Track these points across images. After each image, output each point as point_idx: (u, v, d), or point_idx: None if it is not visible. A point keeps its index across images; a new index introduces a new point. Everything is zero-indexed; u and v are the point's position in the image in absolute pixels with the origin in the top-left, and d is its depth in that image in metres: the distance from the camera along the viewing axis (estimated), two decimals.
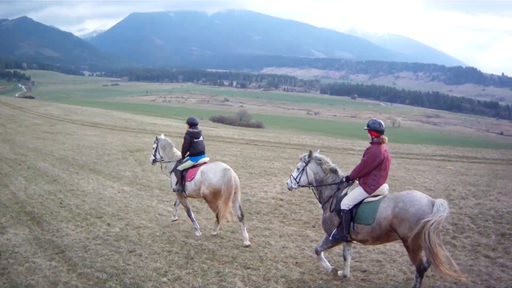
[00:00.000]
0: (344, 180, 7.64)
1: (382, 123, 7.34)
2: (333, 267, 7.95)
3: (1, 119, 44.38)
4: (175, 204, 11.36)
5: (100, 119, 47.20)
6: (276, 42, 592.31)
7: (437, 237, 6.40)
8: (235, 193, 9.67)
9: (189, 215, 10.63)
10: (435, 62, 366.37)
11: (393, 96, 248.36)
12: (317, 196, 8.11)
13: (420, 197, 6.75)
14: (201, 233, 10.37)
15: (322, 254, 7.95)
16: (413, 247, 6.66)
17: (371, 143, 7.40)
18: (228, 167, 9.76)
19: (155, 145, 11.22)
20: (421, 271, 6.85)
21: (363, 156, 7.39)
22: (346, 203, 7.28)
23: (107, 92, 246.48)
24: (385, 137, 7.34)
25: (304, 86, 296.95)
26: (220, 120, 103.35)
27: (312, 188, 8.17)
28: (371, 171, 7.24)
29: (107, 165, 20.01)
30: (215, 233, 10.27)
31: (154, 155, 11.22)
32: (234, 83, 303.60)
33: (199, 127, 10.66)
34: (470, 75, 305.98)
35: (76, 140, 29.21)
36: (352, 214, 7.26)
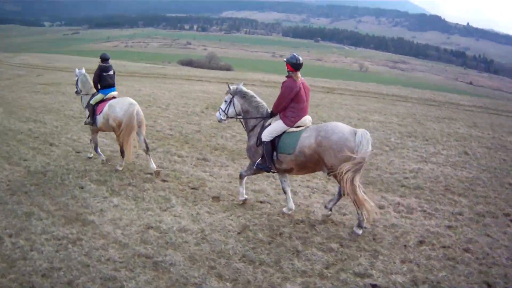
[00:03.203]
0: (269, 114, 7.94)
1: (300, 59, 7.50)
2: (245, 197, 8.50)
3: None
4: (90, 141, 11.61)
5: (89, 65, 40.08)
6: None
7: (355, 179, 6.76)
8: (139, 127, 10.16)
9: (96, 150, 11.28)
10: (397, 8, 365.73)
11: (356, 40, 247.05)
12: (243, 126, 8.47)
13: (342, 126, 7.13)
14: (108, 162, 11.15)
15: (244, 180, 8.45)
16: (340, 177, 6.90)
17: (286, 76, 7.60)
18: (134, 102, 10.17)
19: (76, 78, 11.59)
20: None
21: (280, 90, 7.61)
22: (266, 135, 7.60)
23: (69, 41, 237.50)
24: (299, 73, 7.52)
25: (266, 29, 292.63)
26: (189, 63, 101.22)
27: (239, 119, 8.48)
28: (289, 104, 7.49)
29: (210, 132, 14.48)
30: (120, 168, 10.62)
31: (76, 87, 11.66)
32: (195, 27, 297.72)
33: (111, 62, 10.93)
34: (434, 22, 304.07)
35: None
36: (274, 144, 7.55)
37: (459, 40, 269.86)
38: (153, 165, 10.24)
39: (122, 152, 10.30)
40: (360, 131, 6.89)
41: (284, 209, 8.16)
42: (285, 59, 7.54)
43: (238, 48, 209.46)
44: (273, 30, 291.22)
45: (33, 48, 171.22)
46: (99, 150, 11.26)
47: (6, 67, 43.54)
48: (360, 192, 6.86)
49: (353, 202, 7.02)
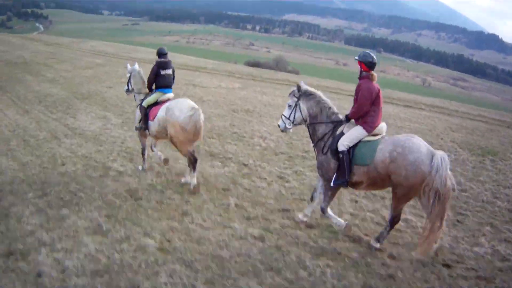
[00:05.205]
0: (344, 120, 7.09)
1: (375, 57, 6.83)
2: (346, 222, 7.27)
3: (38, 57, 33.96)
4: (151, 148, 10.47)
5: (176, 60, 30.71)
6: None
7: (443, 204, 6.30)
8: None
9: (143, 153, 10.27)
10: (456, 24, 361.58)
11: (418, 54, 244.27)
12: (310, 134, 7.49)
13: (420, 145, 6.40)
14: (144, 168, 10.15)
15: (329, 210, 7.36)
16: (400, 197, 6.57)
17: (360, 78, 6.92)
18: (196, 105, 8.95)
19: (128, 75, 10.42)
20: (394, 222, 6.83)
21: (356, 94, 6.91)
22: (344, 143, 6.79)
23: (128, 31, 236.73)
24: (374, 73, 6.86)
25: (328, 36, 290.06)
26: (256, 64, 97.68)
27: (307, 126, 7.48)
28: (369, 108, 6.76)
29: None
30: (189, 180, 9.17)
31: (128, 85, 10.43)
32: (257, 27, 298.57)
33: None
34: (492, 41, 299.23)
35: (217, 93, 20.65)
36: (350, 155, 6.78)
37: None
38: (195, 181, 8.96)
39: (193, 163, 8.99)
40: (439, 153, 6.27)
41: (300, 216, 7.68)
42: (356, 58, 6.86)
43: (301, 53, 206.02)
44: (335, 37, 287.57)
45: (91, 36, 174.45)
46: (145, 155, 10.25)
47: (78, 54, 38.50)
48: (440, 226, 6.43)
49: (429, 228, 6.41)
